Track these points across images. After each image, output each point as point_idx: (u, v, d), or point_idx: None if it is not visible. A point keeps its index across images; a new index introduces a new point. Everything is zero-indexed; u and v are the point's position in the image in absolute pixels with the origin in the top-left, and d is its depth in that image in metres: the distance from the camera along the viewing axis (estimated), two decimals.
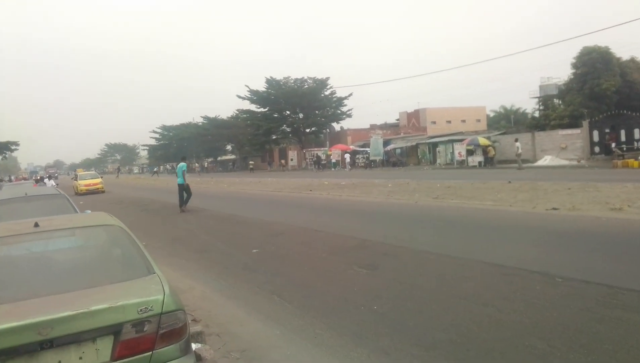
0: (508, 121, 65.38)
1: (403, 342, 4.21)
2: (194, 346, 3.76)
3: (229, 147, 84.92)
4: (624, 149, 29.92)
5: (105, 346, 2.68)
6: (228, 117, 75.63)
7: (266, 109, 61.83)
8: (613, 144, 30.04)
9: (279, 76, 60.36)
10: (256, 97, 61.06)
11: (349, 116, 61.59)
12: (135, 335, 2.73)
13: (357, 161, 49.36)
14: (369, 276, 6.45)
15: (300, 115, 60.51)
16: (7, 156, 72.41)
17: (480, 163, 34.96)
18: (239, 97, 61.64)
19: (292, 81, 60.34)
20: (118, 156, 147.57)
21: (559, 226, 8.94)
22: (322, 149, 57.20)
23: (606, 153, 30.73)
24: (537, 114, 49.41)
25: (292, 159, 62.59)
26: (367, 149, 49.26)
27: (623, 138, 31.42)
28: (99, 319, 2.65)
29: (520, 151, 30.25)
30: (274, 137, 63.93)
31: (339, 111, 61.05)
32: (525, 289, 5.33)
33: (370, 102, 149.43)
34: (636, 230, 8.19)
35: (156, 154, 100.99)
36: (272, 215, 13.78)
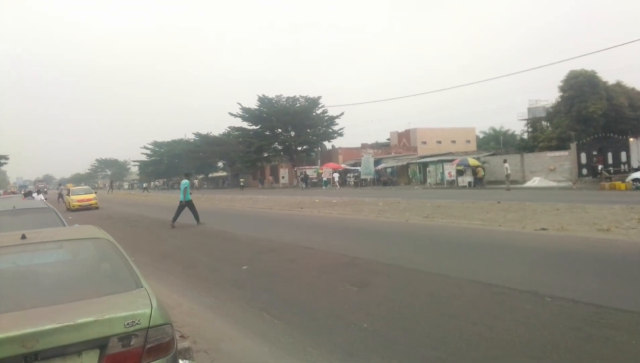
0: (497, 142, 66.15)
1: (393, 359, 4.18)
2: None
3: (220, 164, 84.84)
4: (611, 171, 30.30)
5: (91, 360, 2.63)
6: (220, 134, 75.75)
7: (258, 127, 61.97)
8: (600, 167, 30.42)
9: (271, 94, 60.76)
10: (248, 114, 61.24)
11: (341, 135, 61.97)
12: (121, 349, 2.70)
13: (347, 179, 49.51)
14: (360, 293, 6.42)
15: (292, 133, 60.72)
16: None
17: (470, 183, 35.18)
18: (231, 114, 61.80)
19: (284, 99, 60.69)
20: (108, 171, 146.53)
21: (547, 246, 8.99)
22: (313, 167, 57.31)
23: (593, 175, 31.10)
24: (525, 136, 50.06)
25: (283, 177, 62.59)
26: (358, 168, 49.42)
27: (610, 161, 31.85)
28: (85, 332, 2.61)
29: (509, 171, 30.53)
30: (265, 154, 63.97)
31: (330, 130, 61.36)
32: (514, 308, 5.34)
33: (362, 121, 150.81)
34: (623, 251, 8.25)
35: (147, 170, 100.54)
36: (262, 232, 13.72)
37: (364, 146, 65.02)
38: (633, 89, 38.28)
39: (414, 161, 46.78)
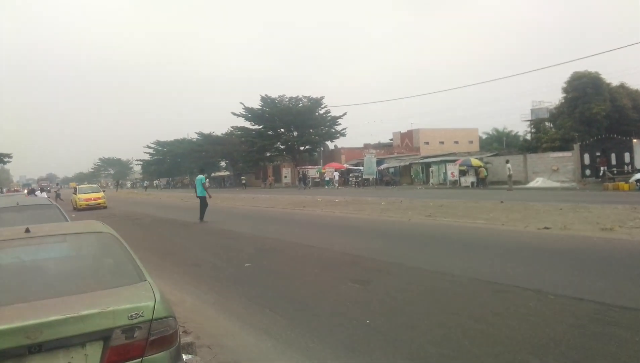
0: (500, 143, 66.02)
1: (395, 355, 4.18)
2: (184, 357, 3.71)
3: (223, 163, 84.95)
4: (615, 172, 30.23)
5: (94, 351, 2.64)
6: (222, 134, 75.91)
7: (261, 127, 62.03)
8: (602, 169, 30.32)
9: (274, 94, 60.83)
10: (251, 114, 61.32)
11: (343, 135, 62.01)
12: (125, 341, 2.70)
13: (349, 179, 49.56)
14: (362, 291, 6.42)
15: (295, 133, 60.76)
16: None
17: (472, 183, 35.15)
18: (234, 114, 61.94)
19: (286, 100, 60.72)
20: (111, 170, 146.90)
21: (550, 245, 8.97)
22: (316, 167, 57.37)
23: (597, 175, 31.03)
24: (528, 137, 49.97)
25: (285, 177, 62.70)
26: (360, 168, 49.45)
27: (614, 162, 31.78)
28: (89, 324, 2.62)
29: (511, 172, 30.50)
30: (268, 154, 64.07)
31: (333, 130, 61.38)
32: (517, 305, 5.33)
33: (364, 122, 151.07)
34: (627, 250, 8.24)
35: (150, 169, 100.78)
36: (265, 231, 13.73)
37: (367, 146, 65.01)
38: (637, 90, 38.25)
39: (417, 161, 46.77)
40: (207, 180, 17.70)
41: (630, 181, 25.76)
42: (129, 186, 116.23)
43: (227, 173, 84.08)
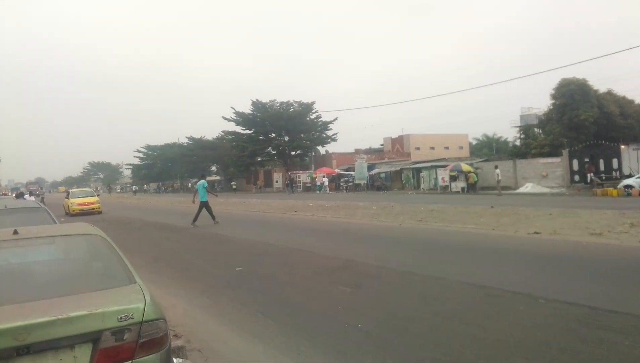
0: (490, 149, 66.51)
1: (387, 359, 4.17)
2: (175, 361, 3.67)
3: (213, 168, 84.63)
4: (603, 178, 30.57)
5: (83, 354, 2.60)
6: (213, 139, 75.66)
7: (251, 131, 61.94)
8: (590, 175, 30.62)
9: (265, 99, 60.81)
10: (242, 119, 61.19)
11: (334, 140, 62.06)
12: (114, 343, 2.67)
13: (341, 185, 49.64)
14: (353, 295, 6.41)
15: (286, 138, 60.73)
16: None
17: (463, 188, 35.33)
18: (225, 118, 61.78)
19: (277, 104, 60.72)
20: (101, 174, 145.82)
21: (540, 250, 9.02)
22: (307, 172, 57.39)
23: (585, 181, 31.35)
24: (518, 143, 50.31)
25: (277, 181, 62.64)
26: (351, 173, 49.54)
27: (602, 168, 32.13)
28: (78, 326, 2.58)
29: (500, 177, 30.75)
30: (259, 159, 63.96)
31: (324, 135, 61.43)
32: (508, 309, 5.34)
33: (355, 127, 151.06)
34: (616, 254, 8.31)
35: (140, 173, 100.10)
36: (256, 235, 13.67)
37: (358, 151, 65.14)
38: (624, 97, 38.68)
39: (408, 167, 46.93)
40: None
41: (618, 186, 26.07)
42: (118, 190, 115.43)
43: (217, 177, 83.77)
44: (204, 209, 17.11)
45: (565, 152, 33.55)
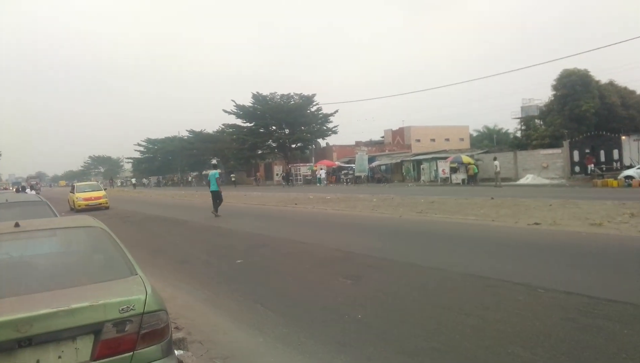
0: (491, 141, 66.39)
1: (387, 349, 4.19)
2: (176, 353, 3.70)
3: (214, 161, 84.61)
4: (603, 169, 30.54)
5: (85, 345, 2.62)
6: (214, 132, 75.58)
7: (252, 124, 61.82)
8: (590, 167, 30.57)
9: (265, 92, 60.64)
10: (242, 112, 61.06)
11: (335, 132, 61.92)
12: (116, 334, 2.69)
13: (341, 177, 49.65)
14: (353, 286, 6.43)
15: (286, 130, 60.60)
16: None
17: (463, 180, 35.32)
18: (225, 111, 61.63)
19: (278, 97, 60.55)
20: (102, 168, 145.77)
21: (540, 240, 9.05)
22: (307, 164, 57.34)
23: (586, 172, 31.34)
24: (519, 134, 50.23)
25: (277, 174, 62.62)
26: (352, 165, 49.52)
27: (603, 158, 32.09)
28: (79, 317, 2.60)
29: (498, 169, 30.76)
30: (259, 152, 63.89)
31: (324, 128, 61.29)
32: (507, 299, 5.37)
33: (356, 119, 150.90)
34: (615, 244, 8.33)
35: (141, 167, 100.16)
36: (256, 228, 13.70)
37: (358, 144, 65.12)
38: (625, 88, 38.58)
39: (408, 159, 46.90)
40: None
41: (618, 177, 26.06)
42: (119, 184, 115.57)
43: (218, 170, 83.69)
44: (217, 197, 17.64)
45: (566, 143, 33.50)
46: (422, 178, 41.50)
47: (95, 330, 2.64)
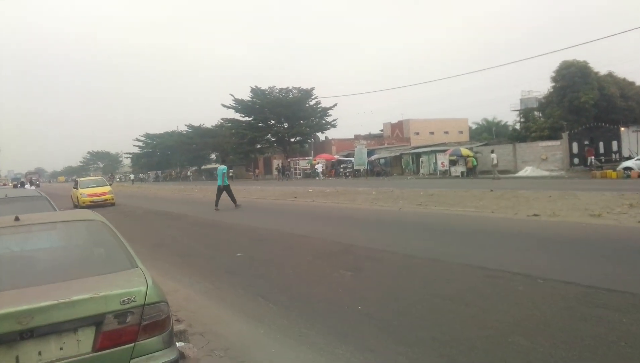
0: (490, 133, 66.39)
1: (387, 340, 4.21)
2: (177, 345, 3.71)
3: (213, 156, 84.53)
4: (602, 160, 30.56)
5: (86, 337, 2.63)
6: (213, 126, 75.47)
7: (251, 119, 61.71)
8: (590, 159, 30.59)
9: (264, 86, 60.49)
10: (241, 106, 60.95)
11: (334, 126, 61.87)
12: (117, 326, 2.70)
13: (340, 171, 49.70)
14: (354, 278, 6.45)
15: (285, 125, 60.53)
16: None
17: (462, 173, 35.36)
18: (224, 106, 61.50)
19: (277, 91, 60.42)
20: (101, 164, 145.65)
21: (540, 231, 9.07)
22: (307, 158, 57.32)
23: (585, 164, 31.37)
24: (518, 126, 50.21)
25: (276, 168, 62.63)
26: (351, 159, 49.53)
27: (602, 150, 32.12)
28: (81, 309, 2.61)
29: (495, 161, 30.80)
30: (258, 146, 63.81)
31: (323, 121, 61.22)
32: (507, 290, 5.39)
33: (355, 113, 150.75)
34: (614, 235, 8.35)
35: (140, 162, 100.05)
36: (256, 221, 13.71)
37: (357, 137, 65.05)
38: (624, 79, 38.54)
39: (407, 152, 46.94)
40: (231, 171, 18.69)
41: (617, 168, 26.10)
42: (118, 179, 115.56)
43: (217, 165, 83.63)
44: (228, 191, 17.84)
45: (565, 135, 33.51)
46: (421, 170, 41.55)
47: (96, 321, 2.65)
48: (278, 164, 56.34)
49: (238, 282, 6.73)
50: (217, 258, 8.71)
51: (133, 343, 2.73)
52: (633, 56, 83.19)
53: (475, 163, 35.06)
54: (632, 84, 38.48)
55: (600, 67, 43.89)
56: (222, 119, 69.53)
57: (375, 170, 46.56)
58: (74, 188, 25.82)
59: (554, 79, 37.17)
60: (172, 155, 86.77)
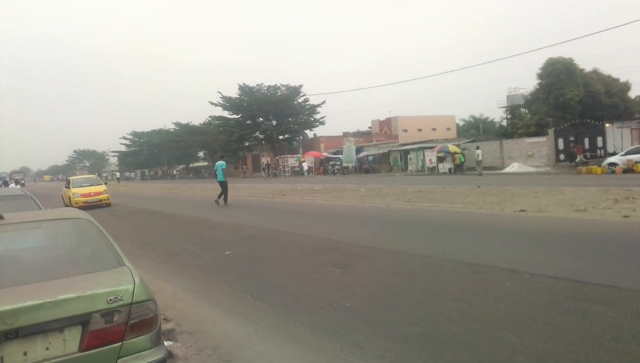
0: (477, 130, 66.82)
1: (376, 336, 4.23)
2: (165, 344, 3.69)
3: (201, 154, 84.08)
4: (588, 156, 30.92)
5: (73, 336, 2.61)
6: (200, 124, 75.00)
7: (239, 116, 61.43)
8: (580, 156, 30.87)
9: (252, 83, 60.27)
10: (229, 103, 60.64)
11: (322, 123, 61.88)
12: (104, 325, 2.67)
13: (328, 168, 49.75)
14: (342, 275, 6.46)
15: (274, 122, 60.38)
16: None
17: (450, 169, 35.59)
18: (212, 103, 61.15)
19: (265, 88, 60.24)
20: (87, 162, 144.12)
21: (526, 227, 9.16)
22: (295, 156, 57.25)
23: (571, 160, 31.71)
24: (504, 123, 50.63)
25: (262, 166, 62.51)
26: (340, 156, 49.59)
27: (587, 146, 32.49)
28: (67, 309, 2.58)
29: (480, 158, 31.01)
30: (247, 144, 63.57)
31: (312, 119, 61.17)
32: (494, 285, 5.43)
33: (343, 110, 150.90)
34: (600, 230, 8.46)
35: (126, 161, 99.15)
36: (245, 219, 13.67)
37: (346, 135, 65.07)
38: (609, 76, 39.01)
39: (395, 149, 47.10)
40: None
41: (602, 164, 26.43)
42: (104, 177, 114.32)
43: (205, 163, 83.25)
44: (223, 187, 18.21)
45: (551, 131, 33.84)
46: (410, 167, 41.74)
47: (83, 321, 2.62)
48: (264, 163, 56.14)
49: (226, 280, 6.71)
50: (205, 256, 8.67)
51: (120, 343, 2.71)
52: (617, 52, 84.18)
53: (462, 160, 35.30)
54: (616, 80, 38.98)
55: (586, 64, 44.41)
56: (210, 116, 69.21)
57: (364, 167, 46.66)
58: (65, 187, 24.05)
59: (540, 76, 37.53)
60: (159, 153, 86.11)
